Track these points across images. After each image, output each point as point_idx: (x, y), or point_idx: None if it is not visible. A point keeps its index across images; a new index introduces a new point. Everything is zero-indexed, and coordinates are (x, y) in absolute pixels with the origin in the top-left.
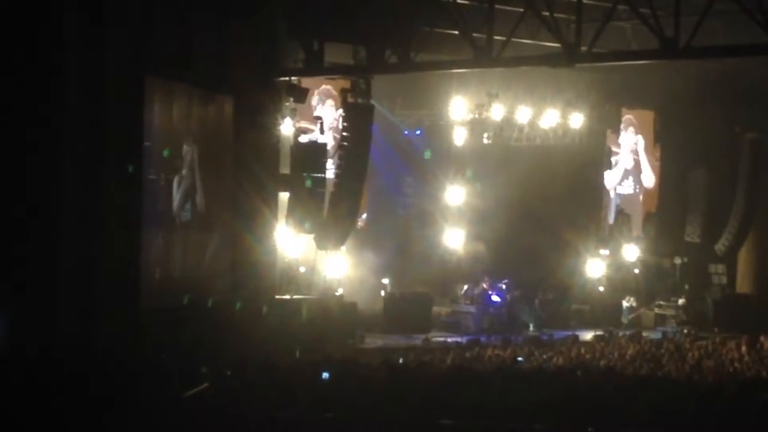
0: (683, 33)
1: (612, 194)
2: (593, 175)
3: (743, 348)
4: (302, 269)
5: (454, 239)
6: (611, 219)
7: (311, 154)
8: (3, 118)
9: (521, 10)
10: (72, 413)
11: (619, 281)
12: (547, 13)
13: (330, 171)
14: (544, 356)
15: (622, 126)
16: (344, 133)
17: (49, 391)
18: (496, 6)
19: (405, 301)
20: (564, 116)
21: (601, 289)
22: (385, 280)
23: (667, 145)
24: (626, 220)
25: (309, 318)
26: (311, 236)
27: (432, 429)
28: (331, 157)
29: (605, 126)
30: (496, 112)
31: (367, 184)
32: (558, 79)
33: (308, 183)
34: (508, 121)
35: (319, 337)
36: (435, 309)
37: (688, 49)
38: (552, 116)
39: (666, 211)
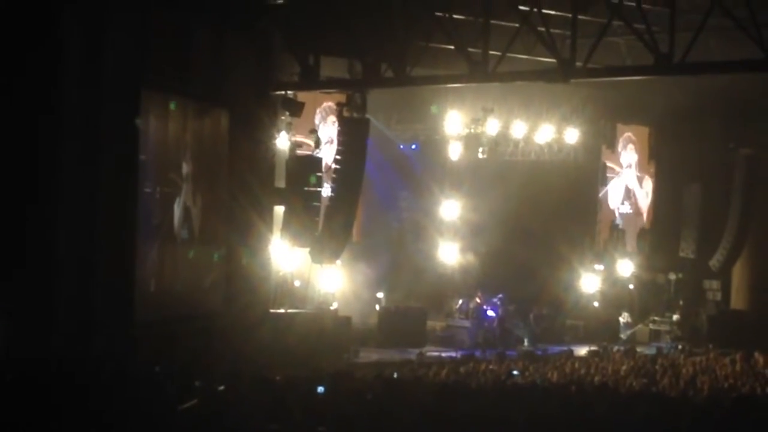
0: (678, 49)
1: (617, 214)
2: (588, 190)
3: (738, 364)
4: (297, 283)
5: (449, 253)
6: (611, 234)
7: (306, 168)
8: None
9: (517, 25)
10: (66, 424)
11: (614, 297)
12: (542, 29)
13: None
14: (539, 371)
15: (620, 143)
16: (339, 147)
17: (43, 403)
18: (492, 21)
19: (399, 316)
20: (559, 131)
21: (596, 304)
22: (380, 294)
23: (661, 160)
24: (621, 235)
25: (303, 332)
26: (306, 250)
27: None
28: (328, 172)
29: (600, 141)
30: (492, 126)
31: (362, 198)
32: (553, 95)
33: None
34: (503, 136)
35: (314, 352)
36: (429, 323)
37: (682, 65)
38: (547, 131)
39: (660, 227)
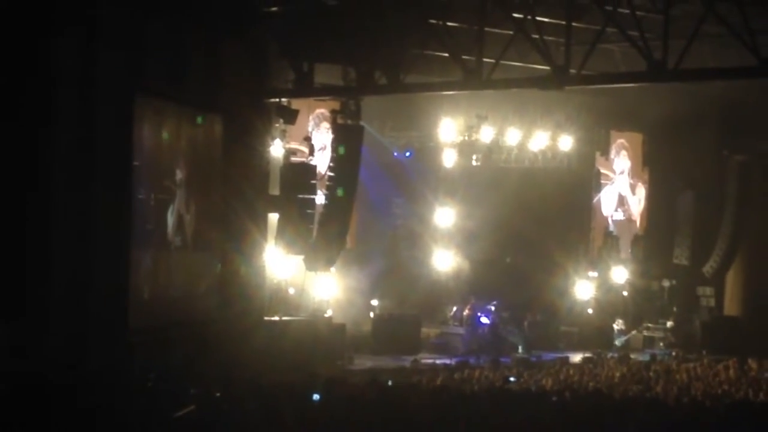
0: (672, 56)
1: (609, 221)
2: (582, 197)
3: (731, 370)
4: (291, 290)
5: (443, 260)
6: (604, 241)
7: (301, 175)
8: None
9: (511, 32)
10: None
11: (608, 303)
12: (536, 36)
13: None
14: (533, 378)
15: (614, 150)
16: (334, 154)
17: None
18: (486, 28)
19: (394, 323)
20: (553, 138)
21: (590, 311)
22: (374, 301)
23: (655, 167)
24: (614, 242)
25: (297, 339)
26: (300, 257)
27: None
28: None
29: (594, 148)
30: (486, 134)
31: (357, 205)
32: (547, 102)
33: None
34: (497, 143)
35: (308, 359)
36: (424, 330)
37: (676, 72)
38: (541, 138)
39: (654, 234)
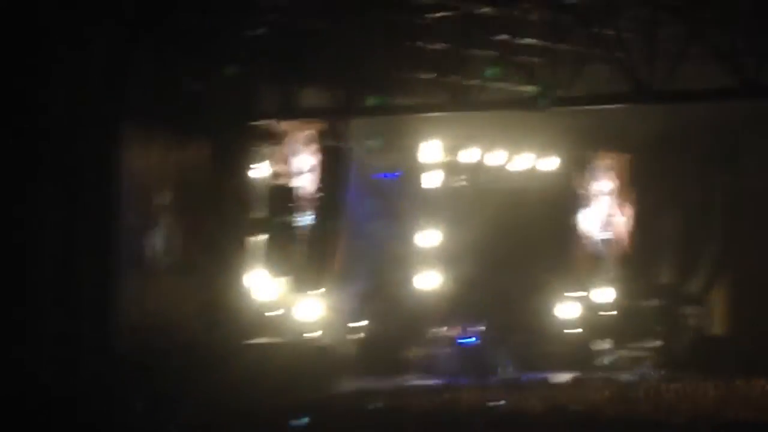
0: (658, 77)
1: (596, 241)
2: (568, 217)
3: (719, 390)
4: (277, 312)
5: (428, 281)
6: (590, 261)
7: (288, 198)
8: None
9: (496, 53)
10: None
11: (594, 323)
12: (521, 58)
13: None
14: (519, 399)
15: (600, 171)
16: (321, 176)
17: None
18: (471, 50)
19: (379, 344)
20: (538, 159)
21: (576, 331)
22: (359, 323)
23: (640, 187)
24: (601, 262)
25: (283, 362)
26: (287, 279)
27: None
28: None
29: (580, 168)
30: (471, 155)
31: (343, 226)
32: (532, 122)
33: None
34: (482, 164)
35: (294, 382)
36: (409, 352)
37: (661, 93)
38: (526, 159)
39: (640, 254)
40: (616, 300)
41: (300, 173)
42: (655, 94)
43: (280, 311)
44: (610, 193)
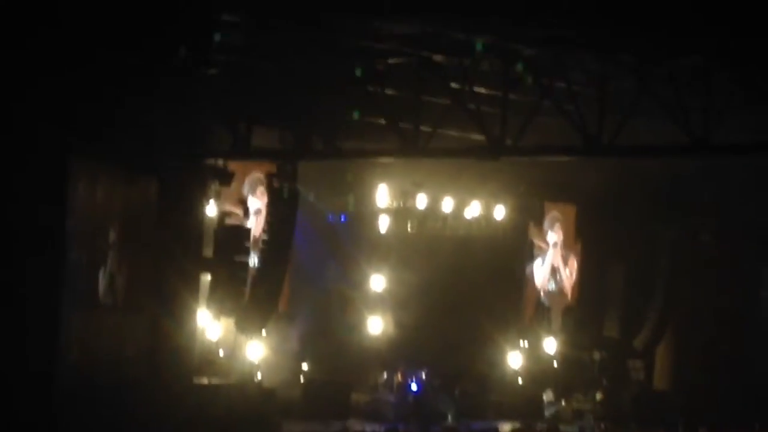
0: (607, 131)
1: (542, 292)
2: (515, 267)
3: None
4: (222, 353)
5: (375, 326)
6: (536, 311)
7: (235, 238)
8: None
9: (448, 102)
10: None
11: (538, 374)
12: (473, 106)
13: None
14: None
15: (548, 221)
16: (268, 218)
17: None
18: (423, 97)
19: (324, 387)
20: (487, 207)
21: (520, 381)
22: (304, 365)
23: (587, 239)
24: (546, 313)
25: (227, 404)
26: (232, 320)
27: None
28: (257, 241)
29: (528, 218)
30: (420, 201)
31: (289, 268)
32: (482, 171)
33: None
34: (432, 211)
35: (238, 424)
36: (354, 396)
37: (611, 148)
38: (476, 207)
39: (585, 306)
40: (559, 351)
41: (248, 214)
42: (605, 149)
43: (225, 352)
44: (557, 244)
